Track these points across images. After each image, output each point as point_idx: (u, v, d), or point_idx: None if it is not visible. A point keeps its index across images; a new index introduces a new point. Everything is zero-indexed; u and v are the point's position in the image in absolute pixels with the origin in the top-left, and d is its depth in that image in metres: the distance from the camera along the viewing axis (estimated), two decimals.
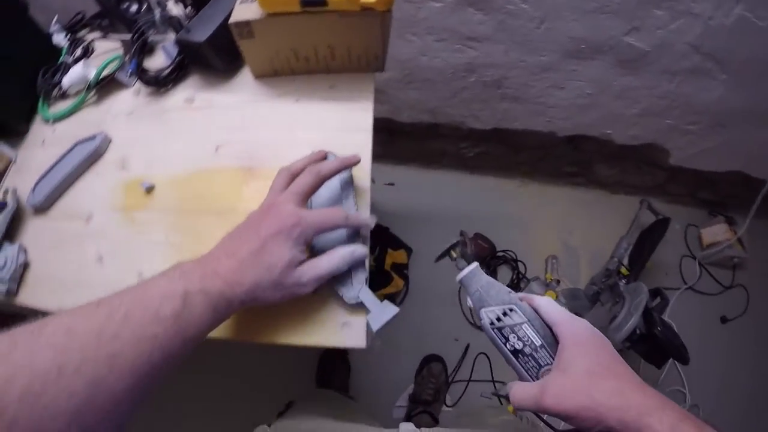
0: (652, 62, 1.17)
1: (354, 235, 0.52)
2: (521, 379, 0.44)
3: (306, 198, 0.48)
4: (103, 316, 0.35)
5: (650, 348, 1.13)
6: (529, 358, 0.43)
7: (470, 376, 1.48)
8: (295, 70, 0.66)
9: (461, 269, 0.48)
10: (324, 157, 0.54)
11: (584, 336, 0.41)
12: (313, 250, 0.50)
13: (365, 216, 0.51)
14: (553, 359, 0.42)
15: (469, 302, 0.48)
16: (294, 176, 0.50)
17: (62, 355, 0.31)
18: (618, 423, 0.34)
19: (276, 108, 0.66)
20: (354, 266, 0.50)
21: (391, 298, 1.54)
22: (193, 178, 0.63)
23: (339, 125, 0.62)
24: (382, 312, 0.48)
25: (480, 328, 0.47)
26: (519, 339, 0.43)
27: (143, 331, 0.35)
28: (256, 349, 1.51)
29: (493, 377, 1.47)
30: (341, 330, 0.50)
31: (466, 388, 1.47)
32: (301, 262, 0.45)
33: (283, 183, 0.49)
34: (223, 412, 1.46)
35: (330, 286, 0.50)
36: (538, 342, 0.43)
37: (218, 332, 0.50)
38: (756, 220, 1.49)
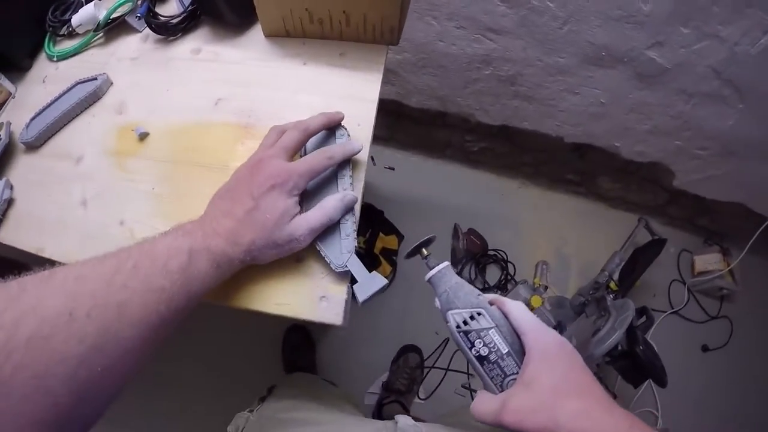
0: (670, 80, 1.15)
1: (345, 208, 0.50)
2: (486, 387, 0.43)
3: (293, 153, 0.48)
4: (113, 266, 0.35)
5: (629, 366, 1.13)
6: (495, 365, 0.41)
7: (445, 372, 1.48)
8: (308, 32, 0.64)
9: (431, 268, 0.47)
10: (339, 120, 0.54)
11: (553, 349, 0.39)
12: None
13: (350, 144, 0.51)
14: (519, 368, 0.40)
15: (437, 303, 0.46)
16: (283, 133, 0.50)
17: (73, 301, 0.31)
18: None
19: (283, 69, 0.64)
20: (343, 234, 0.49)
21: None
22: (189, 130, 0.62)
23: (344, 93, 0.60)
24: (370, 283, 0.47)
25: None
26: (485, 345, 0.41)
27: (151, 282, 0.36)
28: (233, 335, 1.52)
29: (468, 373, 1.47)
30: (319, 303, 0.48)
31: (441, 381, 1.47)
32: (294, 215, 0.45)
33: (272, 140, 0.49)
34: (205, 400, 1.46)
35: (318, 252, 0.49)
36: (504, 350, 0.41)
37: None
38: (751, 254, 1.49)
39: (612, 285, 1.34)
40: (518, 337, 0.41)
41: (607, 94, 1.25)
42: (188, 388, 1.48)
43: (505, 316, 0.43)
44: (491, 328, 0.42)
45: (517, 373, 0.40)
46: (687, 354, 1.58)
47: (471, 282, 1.57)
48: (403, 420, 0.63)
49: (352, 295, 0.48)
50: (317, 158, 0.47)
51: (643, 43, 1.08)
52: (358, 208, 0.51)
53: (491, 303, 0.44)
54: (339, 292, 0.49)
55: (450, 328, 0.44)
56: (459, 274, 1.58)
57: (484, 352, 0.41)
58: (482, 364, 0.42)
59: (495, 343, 0.41)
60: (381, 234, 1.56)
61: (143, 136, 0.62)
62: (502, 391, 0.41)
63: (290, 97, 0.61)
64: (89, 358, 0.30)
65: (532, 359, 0.39)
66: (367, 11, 0.59)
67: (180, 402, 1.46)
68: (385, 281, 0.47)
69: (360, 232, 1.50)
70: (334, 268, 0.47)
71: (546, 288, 1.54)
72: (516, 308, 0.43)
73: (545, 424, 0.34)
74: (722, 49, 1.03)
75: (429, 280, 0.47)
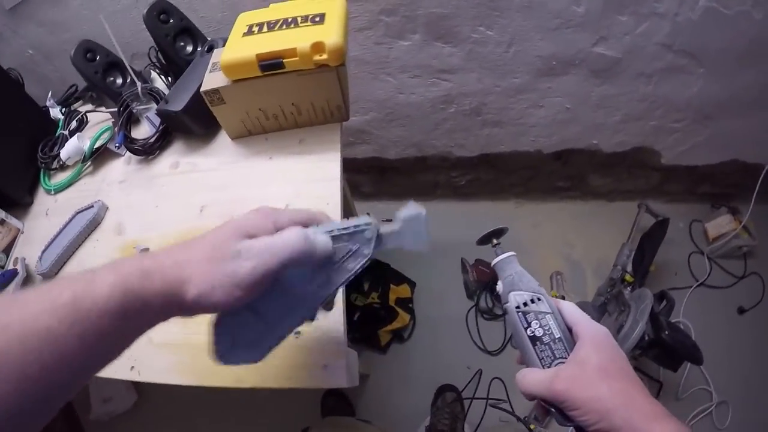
0: (625, 68, 1.18)
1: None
2: (532, 365, 0.44)
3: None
4: (1, 303, 0.29)
5: (661, 353, 1.12)
6: (546, 347, 0.43)
7: (486, 402, 1.46)
8: (267, 128, 0.71)
9: (499, 254, 0.49)
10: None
11: (602, 337, 0.42)
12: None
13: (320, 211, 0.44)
14: (568, 354, 0.42)
15: (500, 286, 0.48)
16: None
17: None
18: (624, 422, 0.35)
19: (252, 167, 0.70)
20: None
21: (399, 333, 1.55)
22: (182, 238, 0.66)
23: (309, 177, 0.66)
24: (412, 222, 0.43)
25: (503, 314, 0.46)
26: (540, 327, 0.44)
27: (35, 321, 0.28)
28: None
29: (510, 401, 1.45)
30: (322, 372, 0.52)
31: (484, 413, 1.45)
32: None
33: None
34: None
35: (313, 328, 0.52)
36: (557, 334, 0.43)
37: (203, 381, 0.54)
38: (759, 205, 1.45)
39: (627, 278, 1.33)
40: (569, 331, 0.44)
41: (570, 99, 1.28)
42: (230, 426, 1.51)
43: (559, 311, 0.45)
44: (549, 313, 0.44)
45: (566, 358, 0.42)
46: (725, 321, 1.53)
47: (489, 309, 1.59)
48: None
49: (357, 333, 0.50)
50: (284, 237, 0.37)
51: (588, 43, 1.12)
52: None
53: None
54: (338, 358, 0.52)
55: (509, 308, 0.46)
56: (476, 305, 1.60)
57: (539, 333, 0.44)
58: (534, 345, 0.44)
59: (550, 327, 0.43)
60: (392, 285, 1.58)
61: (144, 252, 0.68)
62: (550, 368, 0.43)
63: (263, 191, 0.67)
64: None
65: (584, 344, 0.41)
66: (312, 99, 0.65)
67: None
68: (421, 209, 0.43)
69: (372, 288, 1.55)
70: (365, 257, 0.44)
71: (563, 298, 1.54)
72: (569, 305, 0.45)
73: (594, 395, 0.37)
74: (664, 23, 1.06)
75: (495, 265, 0.49)
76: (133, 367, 0.58)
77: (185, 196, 0.71)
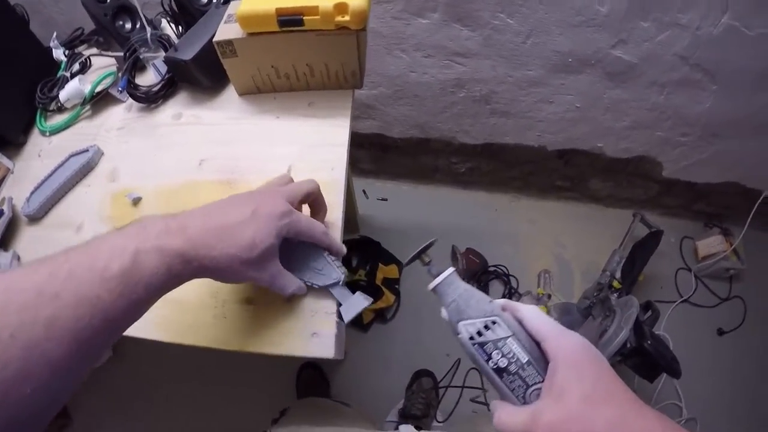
0: (640, 74, 1.17)
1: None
2: (504, 399, 0.40)
3: (294, 201, 0.47)
4: (46, 273, 0.32)
5: (641, 362, 1.13)
6: (515, 376, 0.38)
7: (461, 391, 1.47)
8: (277, 87, 0.68)
9: (435, 275, 0.44)
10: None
11: (578, 354, 0.37)
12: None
13: (341, 245, 0.52)
14: (542, 378, 0.37)
15: (444, 314, 0.43)
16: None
17: None
18: None
19: (258, 124, 0.68)
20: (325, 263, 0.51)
21: (382, 313, 1.55)
22: (179, 191, 0.66)
23: (315, 141, 0.64)
24: (355, 304, 0.50)
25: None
26: (503, 356, 0.38)
27: (86, 291, 0.32)
28: (247, 359, 1.52)
29: (484, 391, 1.47)
30: (310, 340, 0.51)
31: (458, 402, 1.46)
32: (274, 254, 0.45)
33: (280, 182, 0.51)
34: (217, 420, 1.47)
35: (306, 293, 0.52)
36: (524, 359, 0.38)
37: (189, 339, 0.52)
38: (752, 230, 1.48)
39: (615, 284, 1.34)
40: (535, 343, 0.39)
41: (581, 98, 1.28)
42: (200, 409, 1.50)
43: (519, 322, 0.40)
44: (509, 336, 0.38)
45: (540, 382, 0.37)
46: (703, 340, 1.56)
47: None
48: (404, 429, 0.64)
49: (339, 315, 0.51)
50: (316, 225, 0.48)
51: (607, 44, 1.11)
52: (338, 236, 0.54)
53: (503, 309, 0.41)
54: (329, 327, 0.51)
55: (462, 341, 0.40)
56: None
57: (503, 363, 0.38)
58: (501, 377, 0.38)
59: (514, 353, 0.38)
60: (381, 265, 1.58)
61: (136, 201, 0.66)
62: (525, 402, 0.38)
63: (268, 150, 0.65)
64: (17, 382, 0.28)
65: (558, 368, 0.36)
66: (328, 61, 0.63)
67: (192, 423, 1.48)
68: (368, 301, 0.51)
69: (360, 265, 1.55)
70: (320, 285, 0.51)
71: (550, 296, 1.55)
72: (531, 313, 0.40)
73: None
74: (685, 35, 1.05)
75: (434, 290, 0.44)
76: None
77: (185, 148, 0.69)
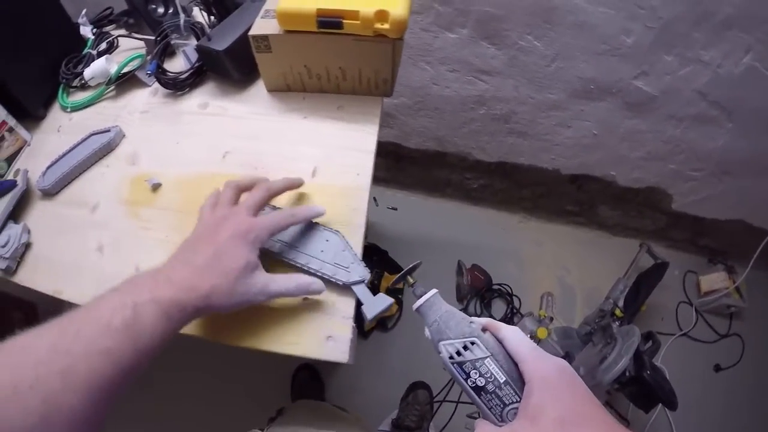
0: (659, 107, 1.19)
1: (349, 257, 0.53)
2: (484, 417, 0.41)
3: (257, 210, 0.50)
4: (56, 333, 0.35)
5: (639, 391, 1.12)
6: (493, 395, 0.39)
7: (456, 406, 1.47)
8: (307, 87, 0.68)
9: (418, 296, 0.46)
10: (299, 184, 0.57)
11: (554, 377, 0.37)
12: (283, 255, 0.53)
13: (314, 207, 0.53)
14: (519, 397, 0.38)
15: (428, 333, 0.44)
16: (241, 191, 0.53)
17: (16, 374, 0.31)
18: None
19: (285, 122, 0.68)
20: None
21: (384, 321, 1.55)
22: (199, 181, 0.65)
23: (342, 144, 0.64)
24: (377, 302, 0.51)
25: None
26: (481, 375, 0.39)
27: (95, 344, 0.35)
28: (247, 357, 1.51)
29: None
30: (326, 342, 0.50)
31: (452, 416, 1.45)
32: (256, 267, 0.46)
33: (231, 196, 0.51)
34: (214, 417, 1.46)
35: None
36: (501, 378, 0.39)
37: (203, 332, 0.52)
38: (756, 270, 1.49)
39: (617, 312, 1.34)
40: (514, 363, 0.40)
41: (599, 126, 1.28)
42: (197, 405, 1.48)
43: (501, 341, 0.41)
44: (486, 357, 0.40)
45: (517, 402, 0.38)
46: (700, 375, 1.56)
47: (477, 317, 1.57)
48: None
49: (357, 316, 0.51)
50: (281, 215, 0.50)
51: (629, 74, 1.12)
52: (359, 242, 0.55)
53: (485, 328, 0.42)
54: (344, 331, 0.51)
55: (443, 360, 0.42)
56: (464, 309, 1.59)
57: (480, 382, 0.39)
58: (479, 395, 0.40)
59: (491, 373, 0.39)
60: (386, 273, 1.58)
61: (156, 187, 0.66)
62: (503, 420, 0.39)
63: (292, 150, 0.65)
64: (37, 429, 0.30)
65: (534, 390, 0.36)
66: (362, 66, 0.63)
67: (189, 419, 1.46)
68: (391, 300, 0.51)
69: None
70: (344, 281, 0.51)
71: (552, 319, 1.54)
72: (511, 334, 0.41)
73: None
74: (706, 72, 1.06)
75: (417, 310, 0.46)
76: None
77: (210, 138, 0.69)
